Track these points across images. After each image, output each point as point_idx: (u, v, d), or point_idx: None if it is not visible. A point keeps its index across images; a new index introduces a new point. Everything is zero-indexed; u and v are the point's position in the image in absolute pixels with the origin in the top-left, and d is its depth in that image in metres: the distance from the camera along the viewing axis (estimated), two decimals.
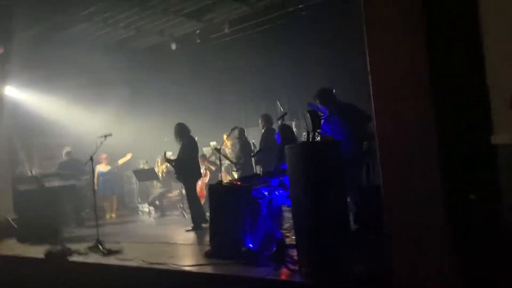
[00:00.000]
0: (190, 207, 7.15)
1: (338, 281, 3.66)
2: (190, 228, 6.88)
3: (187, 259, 4.93)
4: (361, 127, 5.17)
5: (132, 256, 5.15)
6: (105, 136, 6.45)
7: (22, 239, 7.29)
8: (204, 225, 6.70)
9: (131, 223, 8.78)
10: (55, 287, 5.44)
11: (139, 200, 10.69)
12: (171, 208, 9.55)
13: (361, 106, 5.29)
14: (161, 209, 9.29)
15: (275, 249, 4.14)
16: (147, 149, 10.85)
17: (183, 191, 8.72)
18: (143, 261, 4.86)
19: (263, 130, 7.19)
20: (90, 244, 5.93)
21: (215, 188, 5.12)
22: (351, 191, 5.27)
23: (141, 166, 9.73)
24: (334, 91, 5.82)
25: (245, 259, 4.34)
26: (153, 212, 9.59)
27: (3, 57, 9.03)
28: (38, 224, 7.24)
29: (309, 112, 3.91)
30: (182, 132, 7.27)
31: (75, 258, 5.57)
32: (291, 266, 3.94)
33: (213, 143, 9.27)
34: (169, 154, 9.31)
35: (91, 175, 6.64)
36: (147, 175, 9.16)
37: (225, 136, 9.23)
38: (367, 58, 3.64)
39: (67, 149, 9.32)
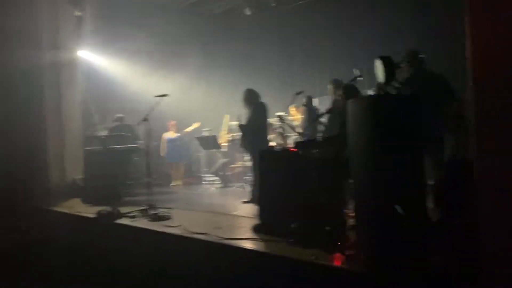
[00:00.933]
0: (255, 177, 6.61)
1: (405, 273, 2.87)
2: (248, 200, 6.37)
3: (233, 231, 4.40)
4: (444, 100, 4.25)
5: (178, 224, 4.80)
6: (162, 96, 6.08)
7: (86, 200, 7.33)
8: None
9: (194, 192, 8.54)
10: (102, 247, 5.34)
11: (205, 169, 10.45)
12: (236, 179, 9.17)
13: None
14: (224, 180, 8.92)
15: (328, 228, 3.41)
16: (215, 116, 10.50)
17: (247, 163, 8.26)
18: (185, 230, 4.45)
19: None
20: (143, 208, 5.76)
21: (265, 154, 4.47)
22: (434, 166, 4.37)
23: (204, 134, 9.41)
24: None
25: (294, 237, 3.70)
26: (216, 181, 9.26)
27: (78, 20, 9.08)
28: (101, 185, 7.24)
29: (382, 58, 3.06)
30: (251, 97, 6.70)
31: (122, 220, 5.35)
32: (347, 251, 3.21)
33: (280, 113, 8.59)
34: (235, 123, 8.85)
35: (147, 139, 6.33)
36: (209, 143, 8.81)
37: (293, 109, 8.49)
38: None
39: (119, 114, 9.14)
